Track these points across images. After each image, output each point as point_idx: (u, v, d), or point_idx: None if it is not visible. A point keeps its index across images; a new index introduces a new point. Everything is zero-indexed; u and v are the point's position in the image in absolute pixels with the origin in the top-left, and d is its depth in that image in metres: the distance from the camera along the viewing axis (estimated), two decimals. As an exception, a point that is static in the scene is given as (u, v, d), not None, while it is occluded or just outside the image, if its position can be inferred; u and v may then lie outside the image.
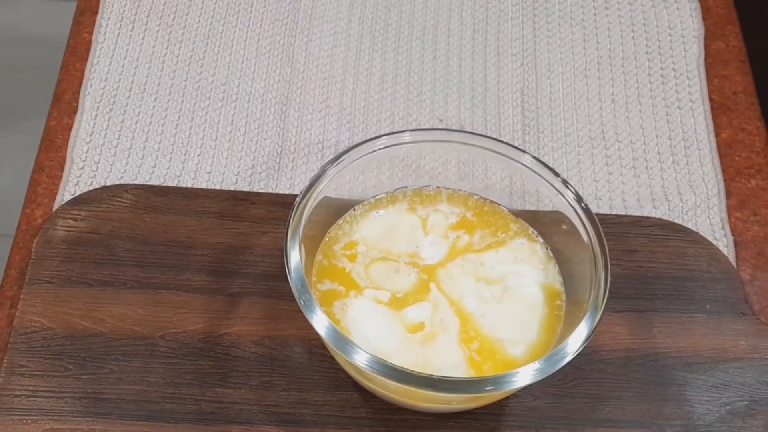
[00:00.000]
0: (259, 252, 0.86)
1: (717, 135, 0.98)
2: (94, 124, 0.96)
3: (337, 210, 0.81)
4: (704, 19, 1.07)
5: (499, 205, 0.83)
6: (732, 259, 0.90)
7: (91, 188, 0.91)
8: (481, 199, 0.83)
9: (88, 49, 1.02)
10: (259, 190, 0.92)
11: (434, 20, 1.06)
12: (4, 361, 0.79)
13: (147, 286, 0.84)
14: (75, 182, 0.92)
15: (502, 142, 0.81)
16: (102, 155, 0.94)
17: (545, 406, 0.80)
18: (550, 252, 0.80)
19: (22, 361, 0.79)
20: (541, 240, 0.81)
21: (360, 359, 0.69)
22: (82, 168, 0.93)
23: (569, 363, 0.70)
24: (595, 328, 0.71)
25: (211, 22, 1.04)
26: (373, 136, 0.81)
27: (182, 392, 0.79)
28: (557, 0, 1.09)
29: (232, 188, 0.92)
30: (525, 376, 0.69)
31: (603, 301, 0.72)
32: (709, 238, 0.90)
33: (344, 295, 0.77)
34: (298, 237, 0.74)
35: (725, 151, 0.97)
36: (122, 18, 1.04)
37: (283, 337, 0.82)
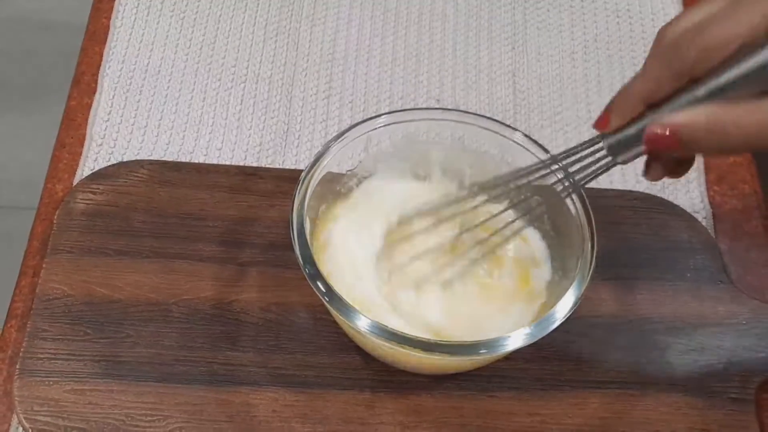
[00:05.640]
0: (267, 224, 0.85)
1: (696, 114, 0.97)
2: (112, 103, 0.95)
3: (339, 184, 0.81)
4: (684, 5, 1.06)
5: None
6: (711, 230, 0.89)
7: (109, 164, 0.90)
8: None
9: (106, 34, 1.01)
10: (267, 166, 0.92)
11: (431, 6, 1.05)
12: (28, 326, 0.79)
13: (161, 256, 0.83)
14: (94, 158, 0.91)
15: (494, 120, 0.80)
16: (119, 133, 0.93)
17: (536, 368, 0.79)
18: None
19: (44, 326, 0.79)
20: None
21: (361, 324, 0.68)
22: (101, 145, 0.92)
23: (558, 328, 0.70)
24: (582, 295, 0.71)
25: (221, 7, 1.03)
26: (374, 114, 0.80)
27: (194, 355, 0.78)
28: (546, -13, 1.08)
29: (241, 164, 0.92)
30: (516, 339, 0.69)
31: (589, 269, 0.72)
32: (690, 211, 0.89)
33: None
34: (303, 209, 0.73)
35: (704, 129, 0.96)
36: (138, 4, 1.03)
37: (289, 303, 0.81)
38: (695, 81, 0.60)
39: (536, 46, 1.03)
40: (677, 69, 0.61)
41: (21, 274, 0.84)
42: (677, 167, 0.68)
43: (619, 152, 0.66)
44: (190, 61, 0.99)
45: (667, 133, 0.60)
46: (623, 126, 0.65)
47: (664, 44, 0.61)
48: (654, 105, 0.63)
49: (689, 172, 0.90)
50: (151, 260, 0.83)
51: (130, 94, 0.96)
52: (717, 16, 0.59)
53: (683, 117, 0.60)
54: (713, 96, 0.59)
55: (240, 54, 1.00)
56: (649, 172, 0.67)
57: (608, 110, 0.66)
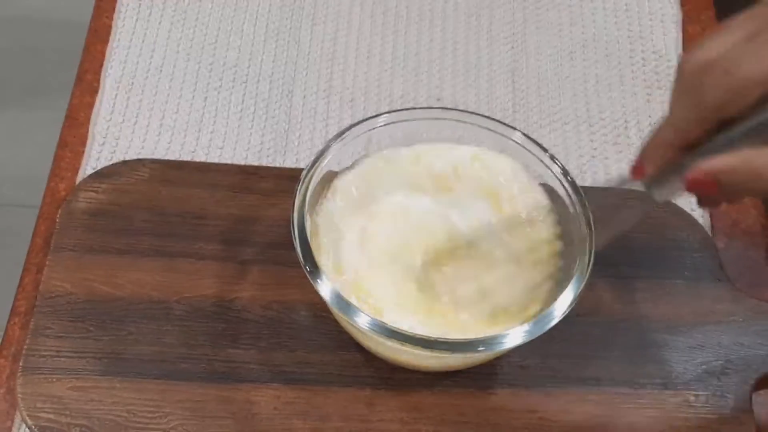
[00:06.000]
0: (268, 222, 0.85)
1: (694, 113, 0.97)
2: (114, 102, 0.95)
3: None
4: (682, 5, 1.06)
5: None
6: (708, 228, 0.89)
7: (111, 163, 0.90)
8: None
9: (108, 33, 1.01)
10: (268, 165, 0.92)
11: (431, 5, 1.05)
12: (31, 323, 0.79)
13: (163, 254, 0.83)
14: (96, 157, 0.92)
15: (494, 119, 0.80)
16: (121, 132, 0.93)
17: (534, 366, 0.79)
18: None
19: (47, 323, 0.79)
20: None
21: (362, 322, 0.69)
22: (103, 144, 0.92)
23: (556, 326, 0.70)
24: (580, 293, 0.71)
25: (222, 7, 1.03)
26: (374, 114, 0.80)
27: (196, 353, 0.78)
28: (546, -13, 1.08)
29: (242, 163, 0.92)
30: (515, 337, 0.69)
31: (588, 267, 0.72)
32: (687, 210, 0.89)
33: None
34: (304, 208, 0.73)
35: (702, 128, 0.96)
36: (140, 3, 1.03)
37: (289, 301, 0.81)
38: (726, 121, 0.60)
39: (535, 45, 1.03)
40: (705, 113, 0.60)
41: (24, 271, 0.84)
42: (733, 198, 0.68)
43: (657, 192, 0.66)
44: (192, 61, 0.99)
45: (706, 179, 0.60)
46: (659, 170, 0.65)
47: (686, 83, 0.60)
48: (688, 146, 0.63)
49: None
50: (152, 258, 0.83)
51: (132, 93, 0.96)
52: (742, 51, 0.58)
53: (719, 163, 0.59)
54: (749, 137, 0.59)
55: (241, 53, 1.00)
56: (701, 204, 0.67)
57: (642, 158, 0.65)
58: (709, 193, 0.61)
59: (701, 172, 0.60)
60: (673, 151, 0.64)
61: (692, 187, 0.61)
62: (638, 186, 0.67)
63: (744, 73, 0.57)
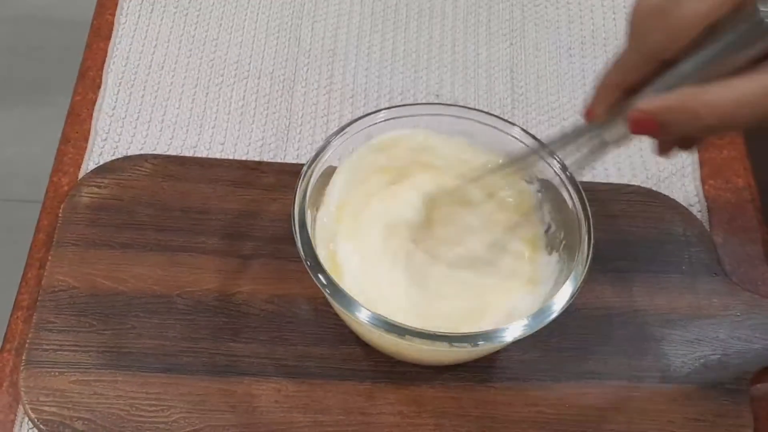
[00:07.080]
0: (269, 217, 0.85)
1: (692, 109, 0.97)
2: (117, 98, 0.95)
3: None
4: None
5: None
6: (705, 223, 0.89)
7: (113, 158, 0.90)
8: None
9: (110, 30, 1.01)
10: (269, 160, 0.91)
11: (430, 3, 1.05)
12: (34, 317, 0.79)
13: (165, 249, 0.83)
14: (99, 152, 0.91)
15: (493, 115, 0.80)
16: (124, 127, 0.93)
17: (533, 359, 0.79)
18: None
19: (50, 317, 0.79)
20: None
21: (361, 316, 0.68)
22: (106, 139, 0.92)
23: (555, 319, 0.69)
24: (579, 287, 0.71)
25: (224, 4, 1.03)
26: (374, 109, 0.80)
27: (198, 346, 0.78)
28: (544, -16, 1.08)
29: (243, 158, 0.91)
30: (514, 331, 0.69)
31: (586, 262, 0.72)
32: (685, 205, 0.89)
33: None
34: (304, 203, 0.73)
35: (699, 124, 0.96)
36: (142, 1, 1.03)
37: (290, 295, 0.81)
38: (670, 63, 0.60)
39: (534, 42, 1.03)
40: (646, 54, 0.61)
41: (27, 266, 0.84)
42: (684, 140, 0.68)
43: (608, 134, 0.67)
44: (193, 57, 0.99)
45: (646, 118, 0.60)
46: (609, 112, 0.66)
47: (633, 27, 0.62)
48: (635, 89, 0.64)
49: (684, 166, 0.91)
50: (155, 253, 0.83)
51: (134, 89, 0.96)
52: None
53: (658, 102, 0.60)
54: (688, 76, 0.60)
55: (242, 50, 1.00)
56: (658, 149, 0.68)
57: (592, 100, 0.66)
58: (652, 133, 0.62)
59: (641, 112, 0.61)
60: (621, 93, 0.65)
61: (635, 127, 0.62)
62: (590, 128, 0.68)
63: (680, 14, 0.58)
